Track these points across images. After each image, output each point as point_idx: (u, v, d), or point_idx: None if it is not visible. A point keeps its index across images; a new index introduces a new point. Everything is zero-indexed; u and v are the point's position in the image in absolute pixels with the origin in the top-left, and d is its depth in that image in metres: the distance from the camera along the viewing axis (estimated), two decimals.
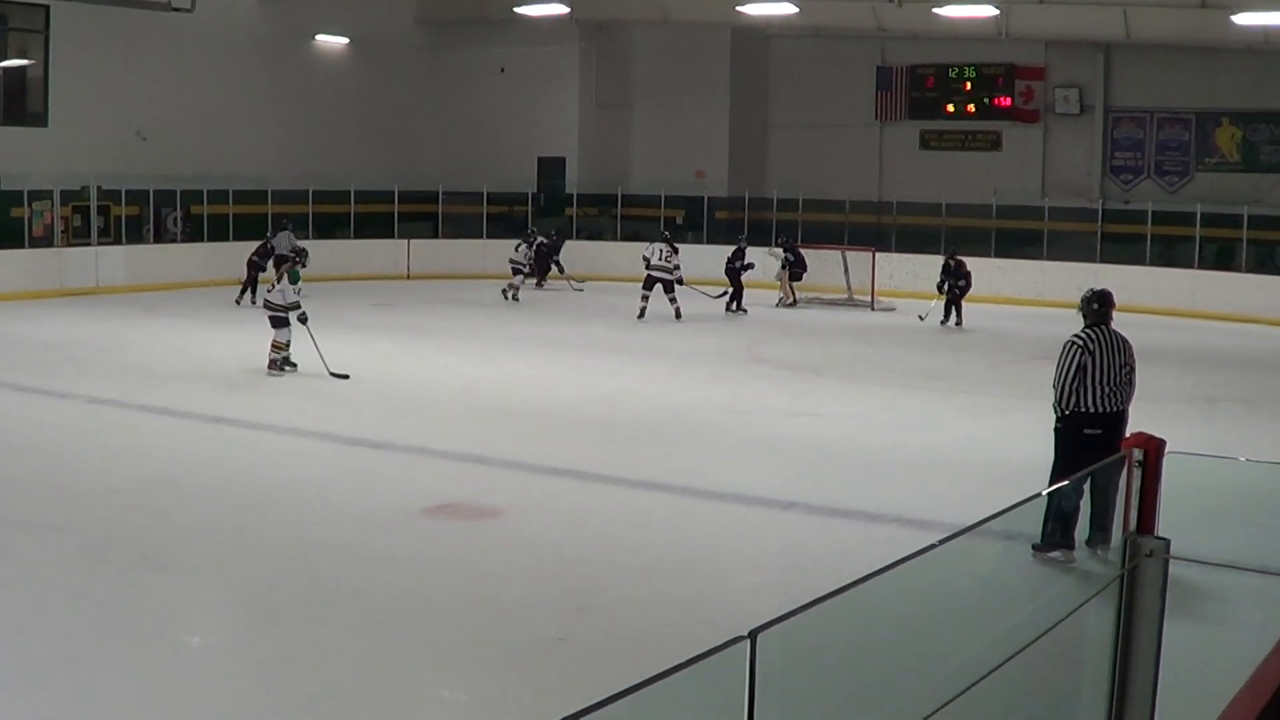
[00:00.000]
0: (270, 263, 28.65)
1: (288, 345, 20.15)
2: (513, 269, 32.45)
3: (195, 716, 7.93)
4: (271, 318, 20.24)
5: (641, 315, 28.06)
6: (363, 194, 37.85)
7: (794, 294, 32.26)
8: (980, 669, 3.83)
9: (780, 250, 32.44)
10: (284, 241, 32.41)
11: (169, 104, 34.74)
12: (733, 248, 31.07)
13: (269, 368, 20.12)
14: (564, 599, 10.02)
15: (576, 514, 12.73)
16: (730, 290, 30.64)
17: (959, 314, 28.78)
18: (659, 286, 28.10)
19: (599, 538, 11.85)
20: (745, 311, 30.10)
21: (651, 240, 29.68)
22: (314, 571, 10.61)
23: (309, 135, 38.23)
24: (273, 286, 20.36)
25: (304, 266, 20.48)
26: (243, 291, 29.79)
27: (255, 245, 30.72)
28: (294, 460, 14.77)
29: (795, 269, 32.27)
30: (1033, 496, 5.49)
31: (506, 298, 31.89)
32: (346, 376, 19.69)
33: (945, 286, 28.80)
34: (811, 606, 3.04)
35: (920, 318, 29.04)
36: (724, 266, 30.65)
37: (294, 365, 20.17)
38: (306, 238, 34.54)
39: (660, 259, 28.17)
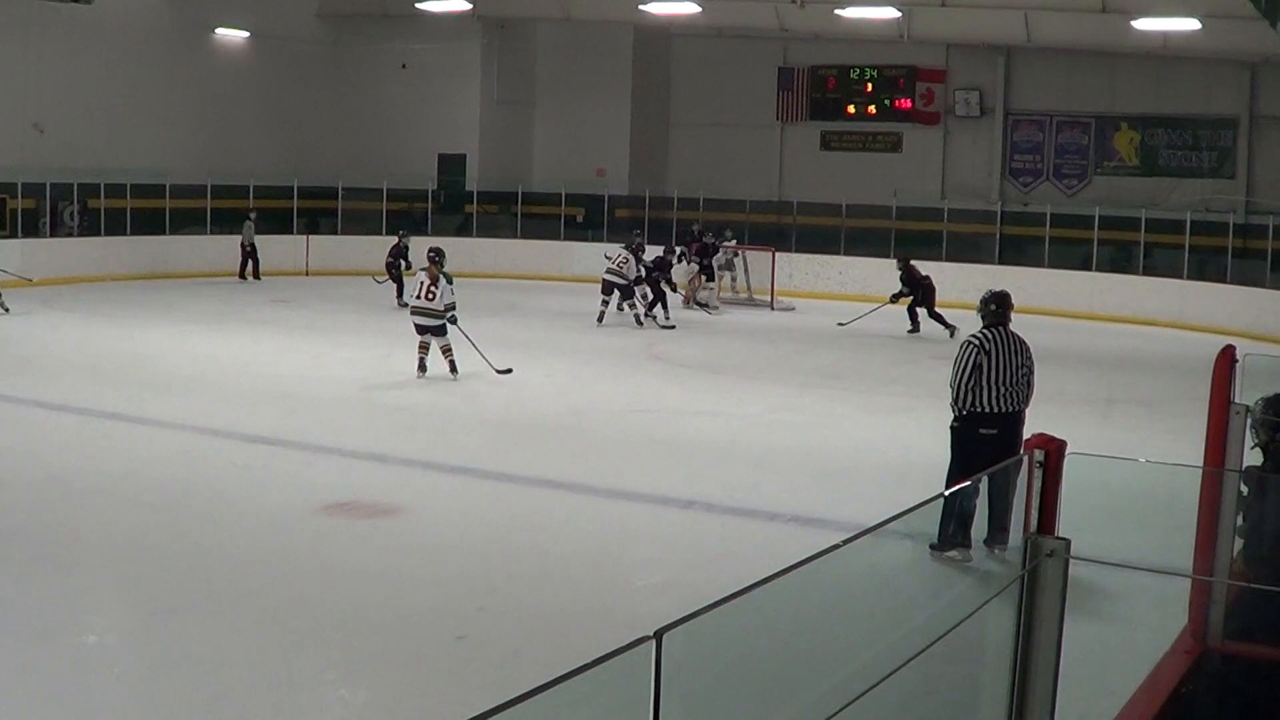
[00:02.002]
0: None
1: (451, 348, 19.84)
2: (626, 288, 27.47)
3: (90, 717, 7.81)
4: (427, 326, 19.74)
5: (600, 320, 27.16)
6: (262, 189, 37.42)
7: (693, 295, 32.23)
8: (882, 669, 3.83)
9: (678, 250, 32.25)
10: (248, 233, 32.68)
11: (67, 96, 34.33)
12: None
13: (450, 371, 19.80)
14: (464, 598, 9.98)
15: (476, 512, 12.68)
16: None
17: (914, 321, 27.60)
18: (617, 291, 27.19)
19: (498, 536, 11.79)
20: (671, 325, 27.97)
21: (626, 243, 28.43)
22: (211, 570, 10.48)
23: (209, 129, 37.83)
24: (429, 294, 19.65)
25: (442, 266, 20.05)
26: (400, 294, 29.26)
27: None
28: (190, 457, 14.58)
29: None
30: (936, 497, 5.51)
31: (643, 323, 27.35)
32: (510, 370, 20.06)
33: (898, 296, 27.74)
34: (716, 607, 3.02)
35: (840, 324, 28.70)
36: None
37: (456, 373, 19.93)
38: (203, 233, 34.37)
39: (615, 263, 27.14)
